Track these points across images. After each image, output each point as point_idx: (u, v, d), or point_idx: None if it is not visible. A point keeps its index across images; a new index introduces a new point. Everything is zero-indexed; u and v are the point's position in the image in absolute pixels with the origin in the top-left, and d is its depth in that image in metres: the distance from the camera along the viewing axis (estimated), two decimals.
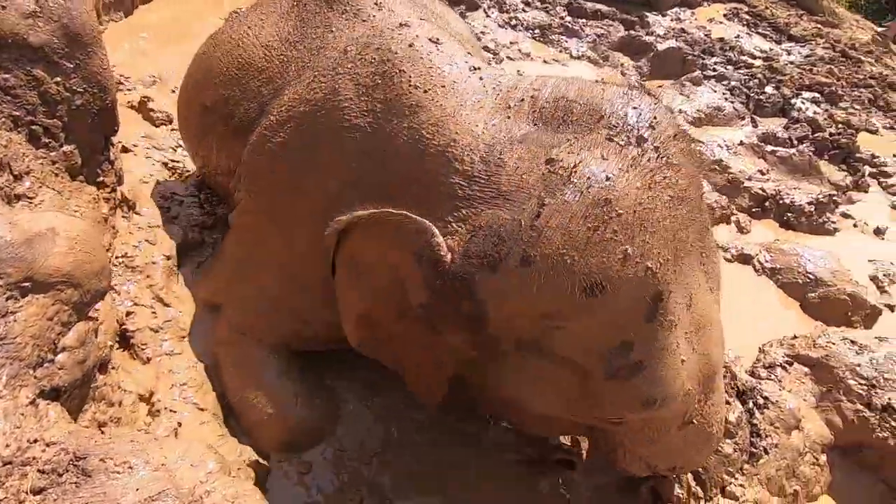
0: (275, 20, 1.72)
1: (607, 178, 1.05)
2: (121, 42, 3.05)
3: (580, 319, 1.08)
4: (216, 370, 1.62)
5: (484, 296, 1.10)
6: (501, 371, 1.21)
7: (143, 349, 1.53)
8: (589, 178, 1.05)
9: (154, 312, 1.70)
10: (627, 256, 1.02)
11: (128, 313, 1.65)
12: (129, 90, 2.72)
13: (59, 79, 1.48)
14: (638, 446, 1.31)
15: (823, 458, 1.77)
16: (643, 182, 1.06)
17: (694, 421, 1.26)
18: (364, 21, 1.54)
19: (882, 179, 3.84)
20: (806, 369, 1.93)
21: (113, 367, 1.42)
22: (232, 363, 1.60)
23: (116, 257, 1.72)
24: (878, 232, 3.26)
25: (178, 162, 2.33)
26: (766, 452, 1.64)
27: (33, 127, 1.45)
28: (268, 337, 1.59)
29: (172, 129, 2.55)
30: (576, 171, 1.06)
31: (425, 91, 1.30)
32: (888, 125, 4.84)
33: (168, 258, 1.81)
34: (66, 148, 1.54)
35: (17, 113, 1.41)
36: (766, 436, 1.66)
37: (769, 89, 4.71)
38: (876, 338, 2.03)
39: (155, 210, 1.98)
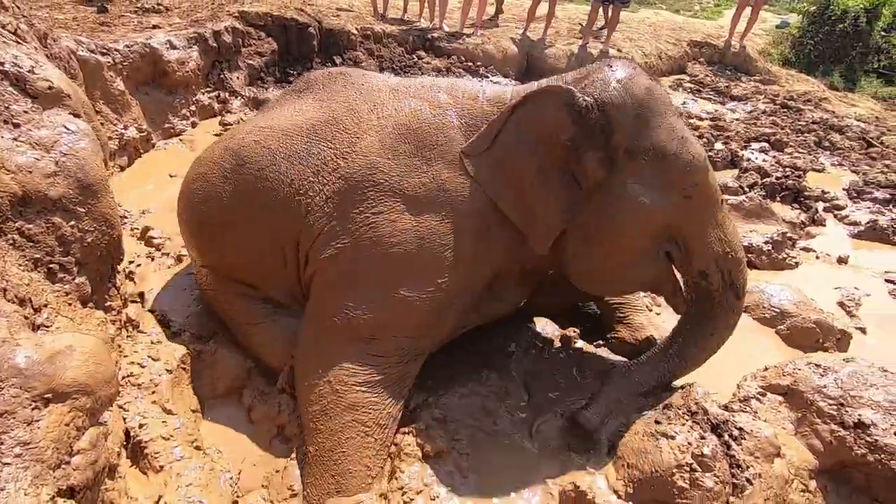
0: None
1: (626, 60, 1.88)
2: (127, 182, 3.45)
3: (652, 112, 1.78)
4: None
5: (610, 109, 1.73)
6: (615, 182, 1.79)
7: (155, 458, 1.64)
8: (618, 59, 1.90)
9: (164, 422, 1.82)
10: (651, 78, 1.86)
11: (140, 425, 1.77)
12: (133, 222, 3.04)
13: (73, 222, 1.75)
14: (702, 232, 1.88)
15: (813, 483, 1.79)
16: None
17: (722, 202, 1.96)
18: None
19: (836, 212, 4.10)
20: (779, 398, 2.00)
21: (120, 476, 1.53)
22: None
23: (123, 377, 1.88)
24: (841, 260, 3.44)
25: (175, 280, 2.56)
26: (751, 483, 1.67)
27: (51, 265, 1.69)
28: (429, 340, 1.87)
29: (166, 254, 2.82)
30: (611, 58, 1.90)
31: None
32: (835, 163, 5.21)
33: (170, 372, 1.96)
34: (78, 280, 1.77)
35: (38, 255, 1.66)
36: (748, 466, 1.70)
37: (718, 145, 5.12)
38: (843, 359, 2.13)
39: (157, 328, 2.18)
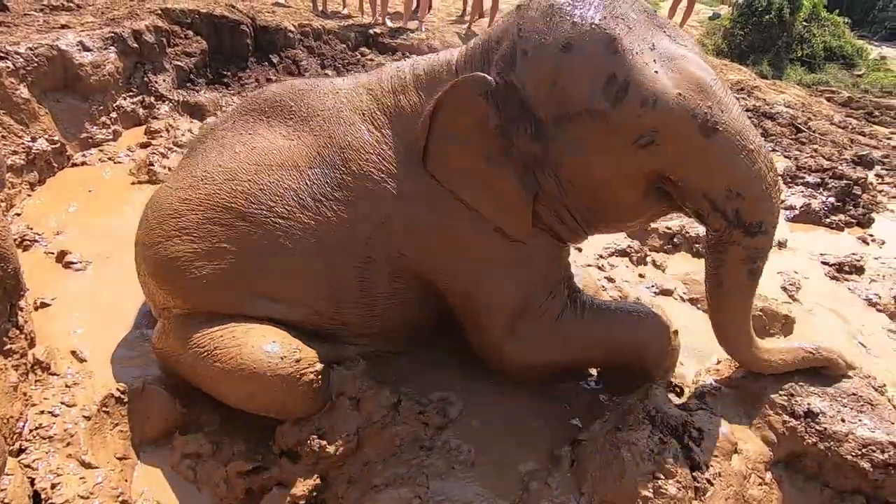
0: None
1: (548, 2, 1.64)
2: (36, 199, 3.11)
3: (571, 74, 1.58)
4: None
5: (520, 86, 1.64)
6: (555, 151, 1.69)
7: None
8: (538, 4, 1.66)
9: (83, 478, 1.62)
10: (577, 22, 1.58)
11: (53, 485, 1.56)
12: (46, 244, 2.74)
13: None
14: (685, 173, 1.64)
15: (769, 475, 1.81)
16: None
17: (718, 128, 1.56)
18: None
19: None
20: (733, 391, 2.02)
21: None
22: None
23: (31, 430, 1.65)
24: (781, 245, 3.57)
25: (96, 311, 2.31)
26: (711, 484, 1.67)
27: None
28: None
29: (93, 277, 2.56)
30: (529, 7, 1.67)
31: None
32: (768, 149, 5.44)
33: (89, 418, 1.75)
34: None
35: None
36: (708, 467, 1.69)
37: None
38: None
39: (74, 366, 1.94)
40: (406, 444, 1.78)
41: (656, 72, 1.56)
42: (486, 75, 1.67)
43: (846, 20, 10.70)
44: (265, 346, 1.71)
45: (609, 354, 2.03)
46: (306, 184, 1.81)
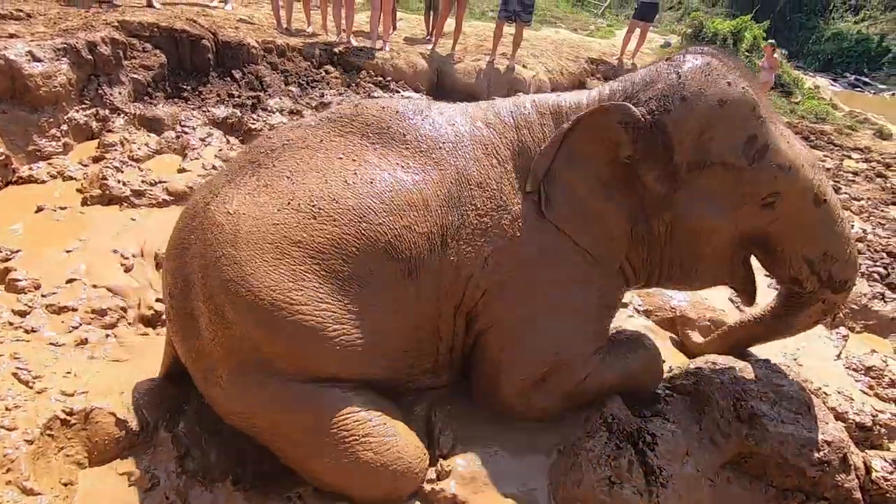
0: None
1: (705, 60, 1.76)
2: None
3: (719, 127, 1.70)
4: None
5: (670, 128, 1.70)
6: (680, 197, 1.77)
7: None
8: (693, 60, 1.77)
9: None
10: (731, 83, 1.71)
11: None
12: None
13: None
14: (790, 238, 1.84)
15: (718, 477, 1.90)
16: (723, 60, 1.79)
17: (825, 199, 1.82)
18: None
19: None
20: (686, 398, 2.11)
21: None
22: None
23: None
24: None
25: (37, 331, 2.21)
26: (665, 486, 1.73)
27: None
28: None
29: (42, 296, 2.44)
30: (684, 61, 1.77)
31: None
32: None
33: (31, 442, 1.66)
34: None
35: None
36: (661, 471, 1.76)
37: None
38: (735, 355, 2.30)
39: (15, 387, 1.84)
40: None
41: (789, 142, 1.80)
42: (632, 107, 1.70)
43: (784, 52, 11.54)
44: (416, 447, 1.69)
45: (612, 391, 1.99)
46: (436, 225, 1.69)
